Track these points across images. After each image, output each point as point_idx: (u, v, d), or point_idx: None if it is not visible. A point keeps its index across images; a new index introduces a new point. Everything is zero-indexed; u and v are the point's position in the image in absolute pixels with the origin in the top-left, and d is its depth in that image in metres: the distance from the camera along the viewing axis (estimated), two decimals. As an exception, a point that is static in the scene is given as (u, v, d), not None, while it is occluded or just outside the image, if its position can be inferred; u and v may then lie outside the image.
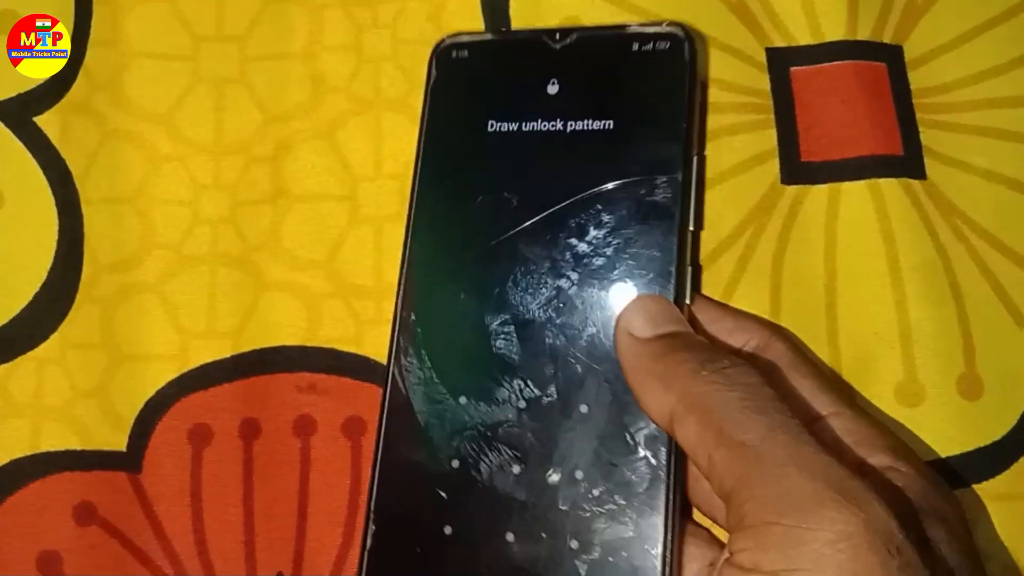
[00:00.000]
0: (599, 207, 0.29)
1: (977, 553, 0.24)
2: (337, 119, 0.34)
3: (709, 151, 0.33)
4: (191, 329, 0.32)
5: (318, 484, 0.31)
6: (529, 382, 0.28)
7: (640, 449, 0.27)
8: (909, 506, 0.24)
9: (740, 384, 0.24)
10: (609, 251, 0.28)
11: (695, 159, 0.29)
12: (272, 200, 0.33)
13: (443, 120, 0.31)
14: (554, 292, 0.28)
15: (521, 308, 0.29)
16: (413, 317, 0.29)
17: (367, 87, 0.34)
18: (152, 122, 0.34)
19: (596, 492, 0.26)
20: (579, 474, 0.27)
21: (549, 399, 0.28)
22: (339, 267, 0.32)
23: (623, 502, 0.26)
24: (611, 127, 0.29)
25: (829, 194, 0.32)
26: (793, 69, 0.33)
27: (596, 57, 0.30)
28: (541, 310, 0.28)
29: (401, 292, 0.29)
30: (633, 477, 0.26)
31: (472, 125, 0.31)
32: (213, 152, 0.33)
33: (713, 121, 0.33)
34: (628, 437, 0.27)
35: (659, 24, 0.30)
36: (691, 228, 0.28)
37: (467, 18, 0.34)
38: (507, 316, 0.29)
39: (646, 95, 0.30)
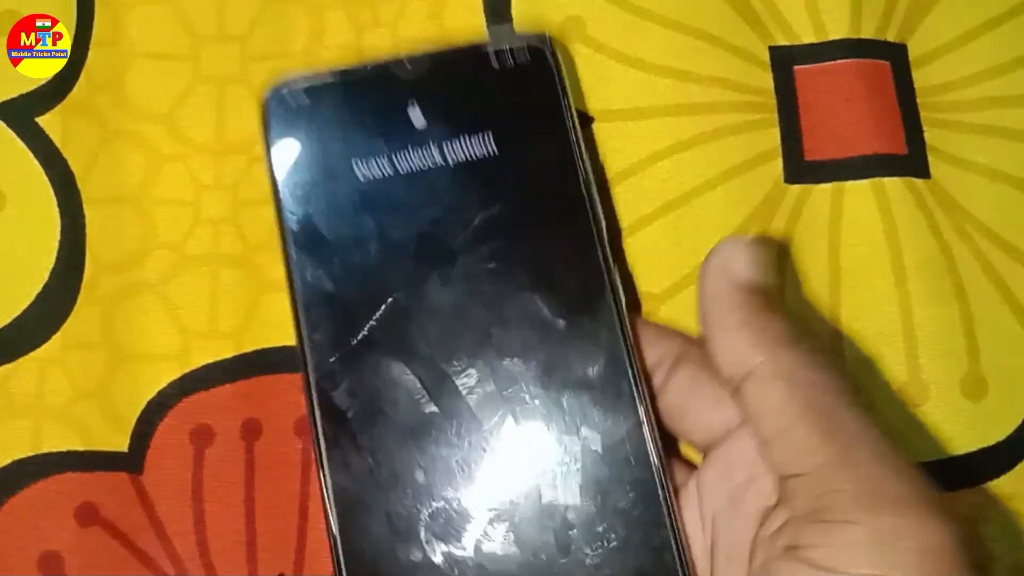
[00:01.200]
0: (503, 232, 0.27)
1: None
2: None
3: (712, 150, 0.32)
4: (192, 329, 0.32)
5: (319, 485, 0.31)
6: (471, 429, 0.26)
7: (619, 453, 0.26)
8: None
9: (831, 373, 0.23)
10: (529, 279, 0.26)
11: (587, 163, 0.27)
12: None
13: (300, 178, 0.27)
14: (485, 336, 0.26)
15: (454, 361, 0.26)
16: (339, 406, 0.26)
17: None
18: (153, 122, 0.34)
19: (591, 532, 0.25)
20: (571, 515, 0.25)
21: (513, 446, 0.26)
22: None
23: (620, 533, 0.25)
24: (495, 152, 0.27)
25: (833, 193, 0.32)
26: (797, 68, 0.33)
27: (458, 79, 0.28)
28: (472, 360, 0.26)
29: (314, 382, 0.26)
30: (628, 500, 0.26)
31: (337, 175, 0.27)
32: (214, 152, 0.33)
33: (716, 120, 0.33)
34: (604, 459, 0.26)
35: (517, 37, 0.28)
36: (606, 234, 0.27)
37: (468, 17, 0.34)
38: (443, 373, 0.26)
39: (523, 112, 0.28)
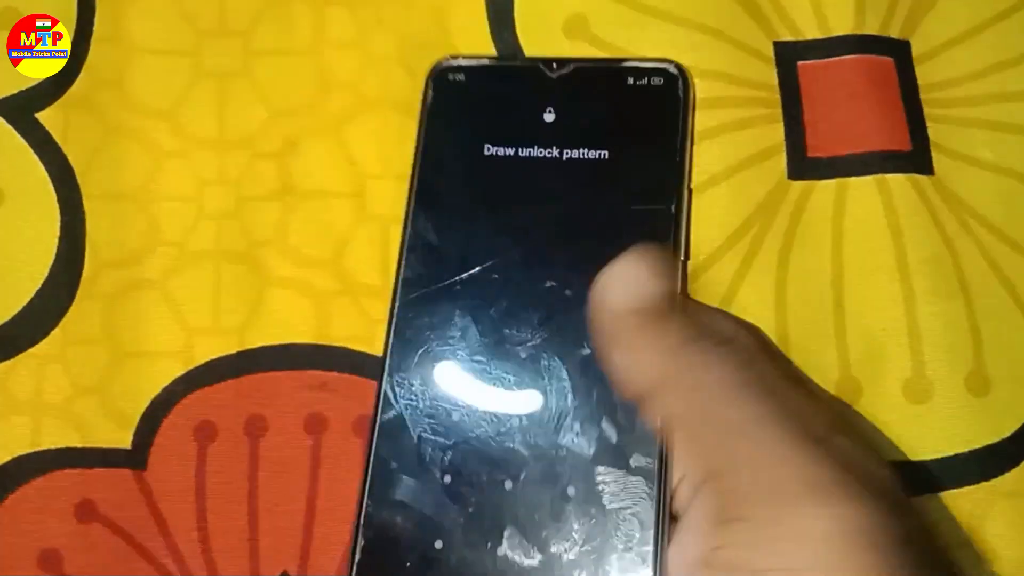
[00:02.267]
0: (593, 236, 0.29)
1: (925, 522, 0.24)
2: (343, 115, 0.33)
3: (715, 146, 0.33)
4: (196, 326, 0.32)
5: (328, 482, 0.31)
6: (523, 402, 0.28)
7: (632, 465, 0.26)
8: (893, 496, 0.23)
9: (729, 364, 0.23)
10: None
11: (687, 191, 0.29)
12: (278, 196, 0.33)
13: (439, 142, 0.31)
14: (547, 316, 0.28)
15: (515, 330, 0.28)
16: (408, 335, 0.29)
17: (373, 85, 0.34)
18: (155, 118, 0.33)
19: (588, 509, 0.26)
20: (571, 490, 0.26)
21: (543, 418, 0.27)
22: (346, 265, 0.32)
23: (615, 519, 0.26)
24: (606, 157, 0.30)
25: (836, 190, 0.32)
26: (800, 63, 0.33)
27: (592, 88, 0.31)
28: (535, 333, 0.28)
29: (395, 310, 0.29)
30: (624, 494, 0.26)
31: (469, 148, 0.31)
32: (217, 148, 0.33)
33: (720, 116, 0.33)
34: (621, 452, 0.27)
35: (654, 60, 0.30)
36: (682, 258, 0.28)
37: (472, 21, 0.34)
38: (500, 338, 0.29)
39: (641, 128, 0.30)
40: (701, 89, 0.32)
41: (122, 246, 0.32)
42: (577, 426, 0.27)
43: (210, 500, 0.30)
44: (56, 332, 0.32)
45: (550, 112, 0.30)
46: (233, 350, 0.31)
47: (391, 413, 0.28)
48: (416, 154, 0.31)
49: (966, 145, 0.33)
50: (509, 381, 0.28)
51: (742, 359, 0.24)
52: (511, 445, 0.27)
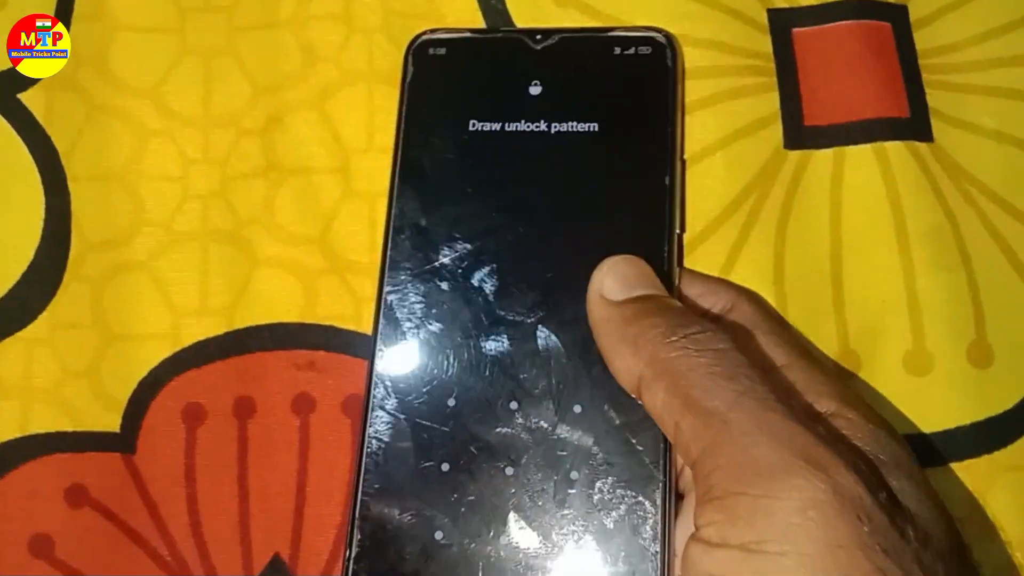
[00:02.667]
0: (585, 210, 0.29)
1: (937, 494, 0.24)
2: (328, 89, 0.33)
3: (710, 116, 0.32)
4: (183, 307, 0.31)
5: (317, 463, 0.30)
6: (520, 383, 0.27)
7: (636, 446, 0.26)
8: (874, 466, 0.23)
9: (710, 350, 0.24)
10: (597, 254, 0.27)
11: (680, 163, 0.29)
12: (263, 174, 0.32)
13: (422, 119, 0.30)
14: (542, 294, 0.28)
15: (508, 310, 0.28)
16: (397, 317, 0.28)
17: (358, 58, 0.33)
18: (139, 96, 0.33)
19: (593, 492, 0.26)
20: (575, 474, 0.26)
21: (543, 400, 0.27)
22: (333, 242, 0.32)
23: (620, 501, 0.26)
24: (596, 129, 0.29)
25: (834, 158, 0.32)
26: (795, 30, 0.33)
27: (578, 59, 0.30)
28: (529, 312, 0.28)
29: (383, 292, 0.29)
30: (629, 475, 0.26)
31: (453, 124, 0.30)
32: (202, 126, 0.33)
33: (714, 85, 0.32)
34: (623, 435, 0.26)
35: (641, 29, 0.30)
36: (677, 231, 0.28)
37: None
38: (495, 318, 0.28)
39: (630, 98, 0.29)
40: (694, 58, 0.32)
41: (108, 227, 0.32)
42: (578, 407, 0.27)
43: (200, 483, 0.30)
44: (44, 315, 0.31)
45: (536, 85, 0.30)
46: (221, 331, 0.31)
47: (383, 399, 0.28)
48: (398, 132, 0.30)
49: (966, 112, 0.32)
50: (505, 362, 0.27)
51: (724, 344, 0.24)
52: (510, 429, 0.27)
